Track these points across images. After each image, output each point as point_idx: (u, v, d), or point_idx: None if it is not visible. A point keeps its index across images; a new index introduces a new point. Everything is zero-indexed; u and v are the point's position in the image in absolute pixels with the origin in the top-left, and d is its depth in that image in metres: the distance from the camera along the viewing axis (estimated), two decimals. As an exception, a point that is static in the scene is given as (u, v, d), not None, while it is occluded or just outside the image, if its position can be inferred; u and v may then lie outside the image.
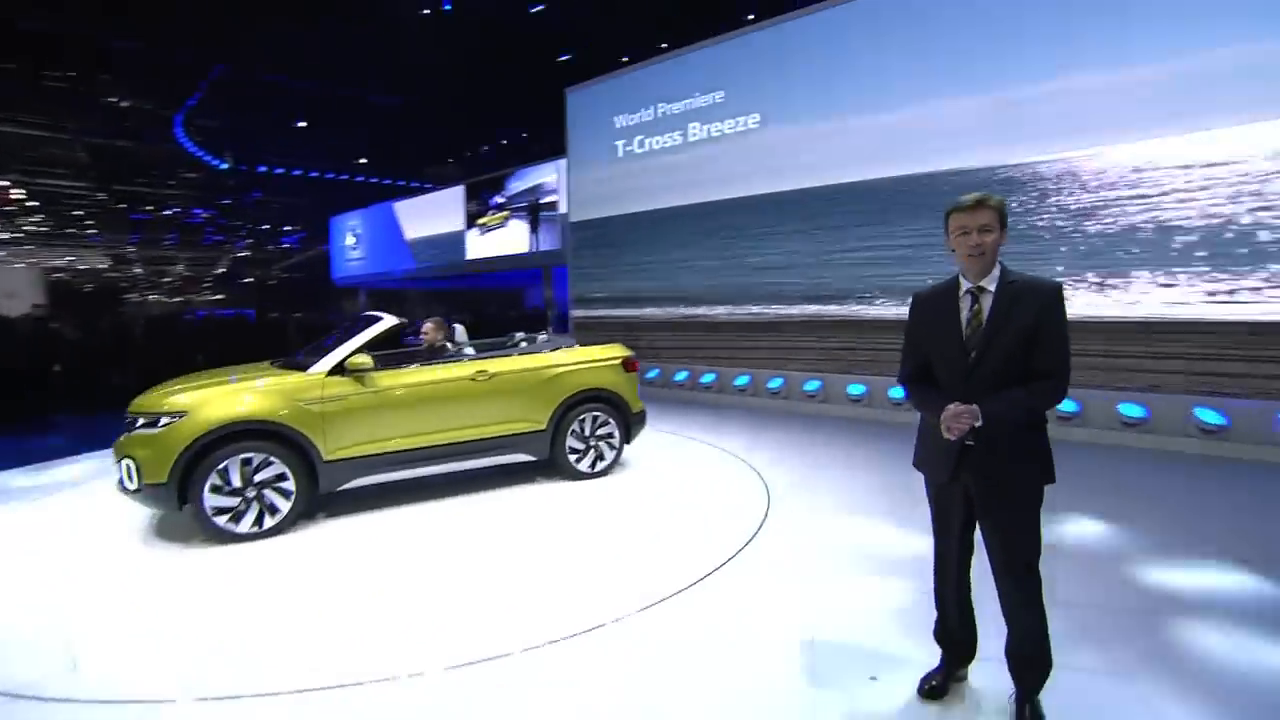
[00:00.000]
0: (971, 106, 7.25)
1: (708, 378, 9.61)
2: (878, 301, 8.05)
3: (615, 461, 5.69)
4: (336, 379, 4.44)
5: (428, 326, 5.68)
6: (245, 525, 4.12)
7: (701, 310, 9.67)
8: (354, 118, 24.37)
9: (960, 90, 7.31)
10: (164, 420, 4.04)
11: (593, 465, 5.54)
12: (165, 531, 4.39)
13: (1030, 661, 2.19)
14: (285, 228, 38.08)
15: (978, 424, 2.05)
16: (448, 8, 17.15)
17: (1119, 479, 5.34)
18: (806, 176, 8.50)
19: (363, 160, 28.12)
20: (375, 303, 26.57)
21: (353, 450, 4.46)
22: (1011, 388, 2.07)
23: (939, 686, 2.41)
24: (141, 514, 4.64)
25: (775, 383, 8.92)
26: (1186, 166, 6.16)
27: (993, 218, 2.09)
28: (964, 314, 2.17)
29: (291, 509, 4.23)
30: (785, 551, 3.92)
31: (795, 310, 8.73)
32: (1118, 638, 2.84)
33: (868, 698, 2.45)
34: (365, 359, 4.49)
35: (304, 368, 4.54)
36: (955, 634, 2.42)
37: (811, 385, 8.57)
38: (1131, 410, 6.41)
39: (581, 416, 5.44)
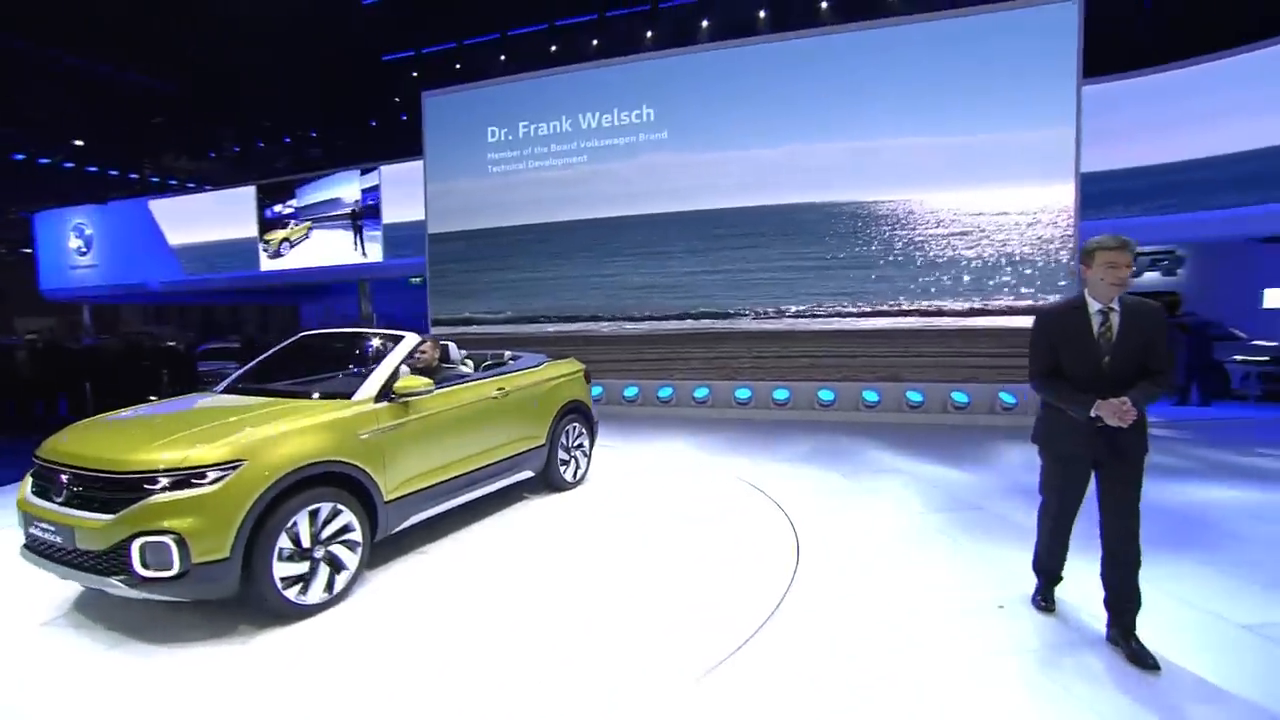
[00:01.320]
0: (834, 150, 8.69)
1: (596, 390, 9.82)
2: (759, 315, 9.10)
3: (588, 469, 5.80)
4: (384, 406, 3.78)
5: (425, 345, 5.14)
6: (315, 594, 3.27)
7: (583, 326, 9.87)
8: (65, 88, 19.47)
9: (824, 136, 8.71)
10: (213, 474, 2.96)
11: (574, 475, 5.60)
12: (119, 621, 3.21)
13: (1131, 595, 2.81)
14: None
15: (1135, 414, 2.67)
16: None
17: (960, 447, 6.87)
18: (695, 200, 9.29)
19: (78, 143, 22.52)
20: (114, 318, 21.65)
21: (408, 486, 3.86)
22: (1136, 382, 2.73)
23: (1049, 604, 3.20)
24: (54, 599, 3.48)
25: (665, 392, 9.50)
26: (988, 213, 8.19)
27: (1130, 258, 2.79)
28: (1096, 328, 2.80)
29: (360, 564, 3.50)
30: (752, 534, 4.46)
31: (684, 324, 9.42)
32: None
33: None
34: (421, 381, 3.92)
35: (306, 394, 3.85)
36: (1059, 563, 3.16)
37: (700, 392, 9.33)
38: (913, 396, 8.33)
39: (566, 428, 5.48)
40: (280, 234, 14.47)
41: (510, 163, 10.14)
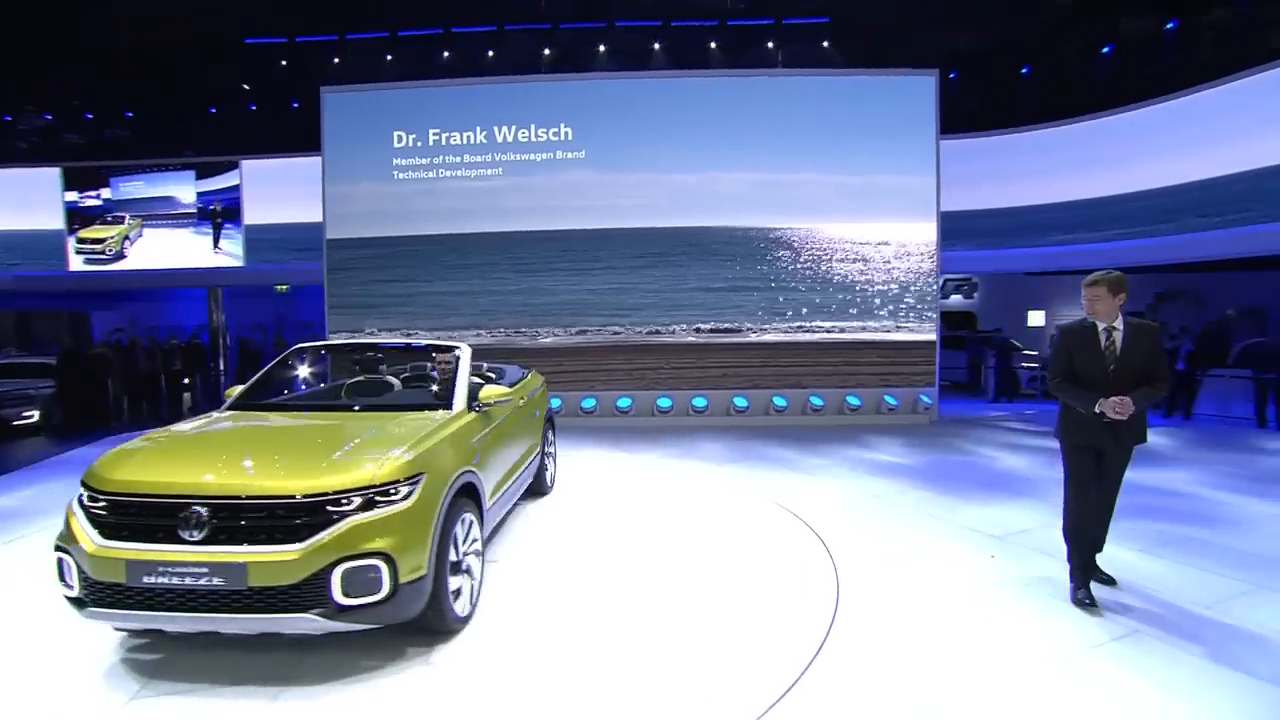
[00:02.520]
0: (744, 179, 9.62)
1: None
2: (677, 329, 9.73)
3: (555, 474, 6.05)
4: (475, 414, 3.76)
5: (448, 356, 4.97)
6: (464, 606, 3.20)
7: (504, 339, 9.80)
8: None
9: (736, 167, 9.61)
10: (404, 489, 2.80)
11: (550, 480, 5.81)
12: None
13: (1101, 541, 3.66)
14: None
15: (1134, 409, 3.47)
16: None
17: (815, 441, 8.08)
18: (615, 218, 9.69)
19: None
20: None
21: (495, 493, 3.87)
22: (1139, 386, 3.49)
23: (1088, 598, 3.47)
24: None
25: (589, 402, 9.75)
26: (871, 243, 9.62)
27: (1103, 290, 3.57)
28: (1103, 342, 3.55)
29: (482, 573, 3.48)
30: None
31: (605, 338, 9.75)
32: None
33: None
34: (501, 390, 3.89)
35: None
36: (1093, 536, 3.70)
37: (624, 402, 9.72)
38: (815, 400, 9.59)
39: (546, 435, 5.72)
40: (107, 231, 12.28)
41: (420, 170, 9.77)
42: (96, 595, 2.64)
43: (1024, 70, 15.13)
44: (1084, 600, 3.48)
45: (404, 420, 3.46)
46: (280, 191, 12.44)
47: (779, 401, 9.62)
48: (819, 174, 9.61)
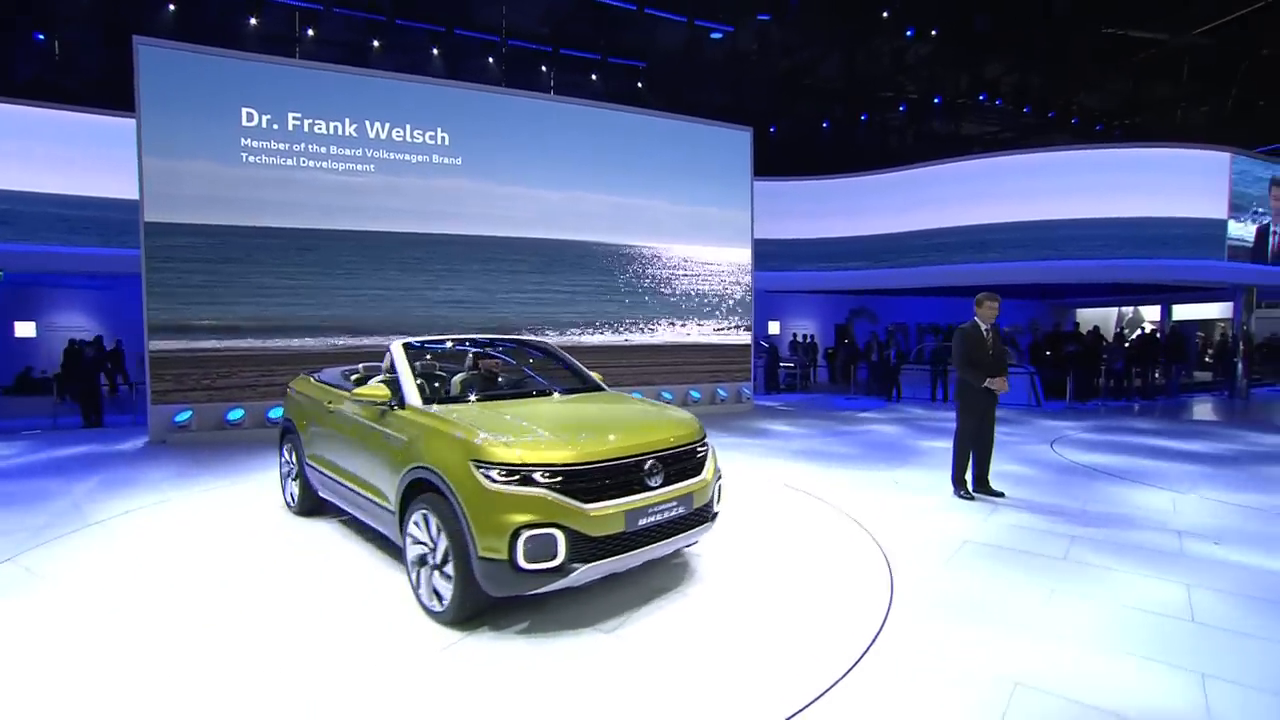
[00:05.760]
0: (603, 201, 10.85)
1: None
2: (547, 332, 10.49)
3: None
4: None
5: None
6: None
7: (375, 340, 9.44)
8: None
9: (597, 189, 10.79)
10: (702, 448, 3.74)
11: None
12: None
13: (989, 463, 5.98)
14: None
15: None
16: None
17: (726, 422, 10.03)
18: (488, 226, 10.06)
19: None
20: None
21: None
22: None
23: (968, 495, 5.79)
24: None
25: (465, 404, 9.92)
26: (705, 263, 11.65)
27: (996, 302, 5.68)
28: (988, 337, 5.66)
29: None
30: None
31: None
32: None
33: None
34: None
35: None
36: (967, 469, 5.83)
37: (500, 402, 10.11)
38: (666, 394, 11.42)
39: None
40: None
41: (278, 156, 8.90)
42: (590, 553, 3.06)
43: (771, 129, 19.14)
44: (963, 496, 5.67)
45: (611, 398, 4.37)
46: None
47: (635, 395, 11.00)
48: (662, 201, 11.30)
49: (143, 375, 8.67)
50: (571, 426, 3.43)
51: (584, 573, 3.06)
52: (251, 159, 8.81)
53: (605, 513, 3.08)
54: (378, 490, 3.79)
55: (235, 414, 8.66)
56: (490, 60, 13.06)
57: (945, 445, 8.31)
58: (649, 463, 3.29)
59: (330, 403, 4.58)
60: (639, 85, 15.26)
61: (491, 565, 2.95)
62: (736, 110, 13.06)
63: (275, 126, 8.91)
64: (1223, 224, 13.72)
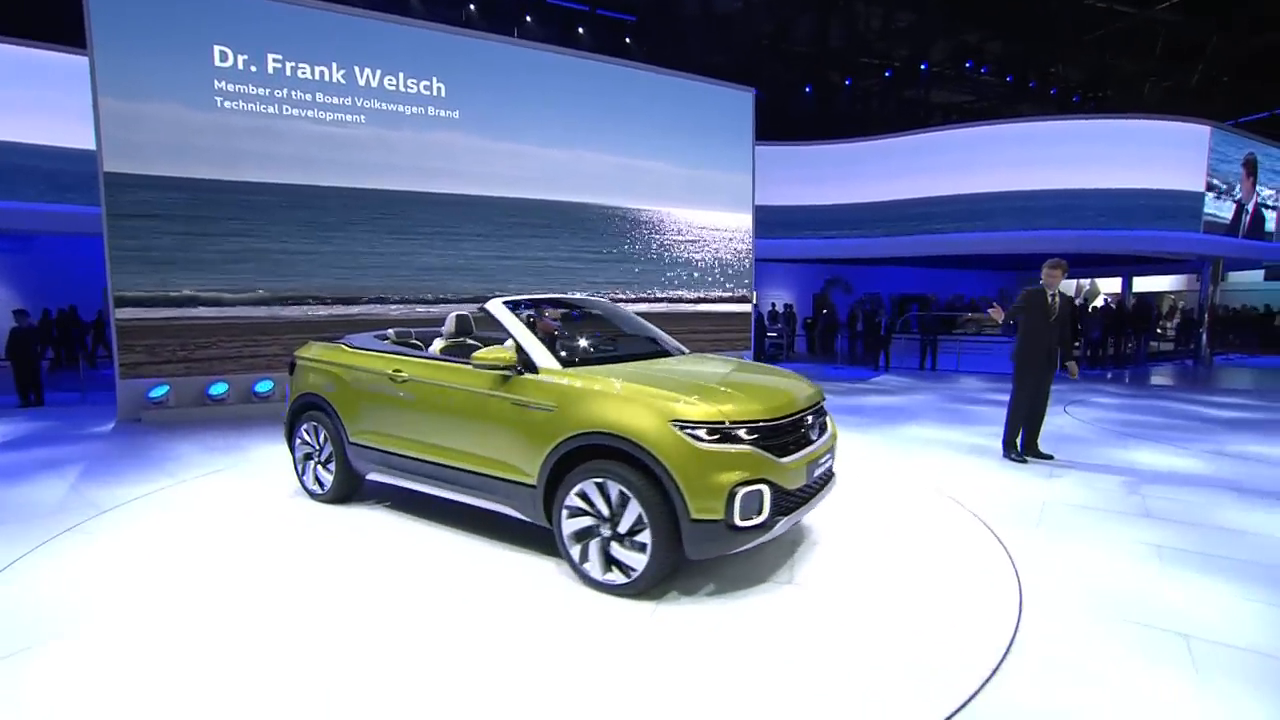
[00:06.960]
0: (609, 161, 10.28)
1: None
2: (554, 295, 9.96)
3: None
4: None
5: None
6: None
7: (366, 309, 8.75)
8: None
9: (602, 149, 10.21)
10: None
11: None
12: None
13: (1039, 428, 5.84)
14: None
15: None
16: None
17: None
18: (489, 186, 9.39)
19: None
20: None
21: None
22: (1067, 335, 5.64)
23: (1019, 458, 5.77)
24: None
25: (464, 375, 9.36)
26: (705, 227, 11.26)
27: (1059, 270, 5.55)
28: (1053, 303, 5.53)
29: None
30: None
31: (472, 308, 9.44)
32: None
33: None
34: None
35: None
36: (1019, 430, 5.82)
37: (501, 373, 9.59)
38: None
39: None
40: None
41: (257, 102, 7.99)
42: (785, 505, 3.12)
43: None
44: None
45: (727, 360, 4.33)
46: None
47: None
48: (666, 163, 10.82)
49: (87, 348, 7.77)
50: (735, 385, 3.37)
51: (782, 525, 3.10)
52: (227, 104, 7.89)
53: (794, 465, 3.14)
54: (505, 464, 3.45)
55: (218, 388, 7.90)
56: (471, 7, 12.12)
57: (969, 409, 8.35)
58: (809, 417, 3.41)
59: (398, 370, 4.05)
60: (626, 40, 14.55)
61: (706, 527, 2.91)
62: (724, 70, 12.62)
63: (253, 69, 7.99)
64: (1200, 196, 14.12)
